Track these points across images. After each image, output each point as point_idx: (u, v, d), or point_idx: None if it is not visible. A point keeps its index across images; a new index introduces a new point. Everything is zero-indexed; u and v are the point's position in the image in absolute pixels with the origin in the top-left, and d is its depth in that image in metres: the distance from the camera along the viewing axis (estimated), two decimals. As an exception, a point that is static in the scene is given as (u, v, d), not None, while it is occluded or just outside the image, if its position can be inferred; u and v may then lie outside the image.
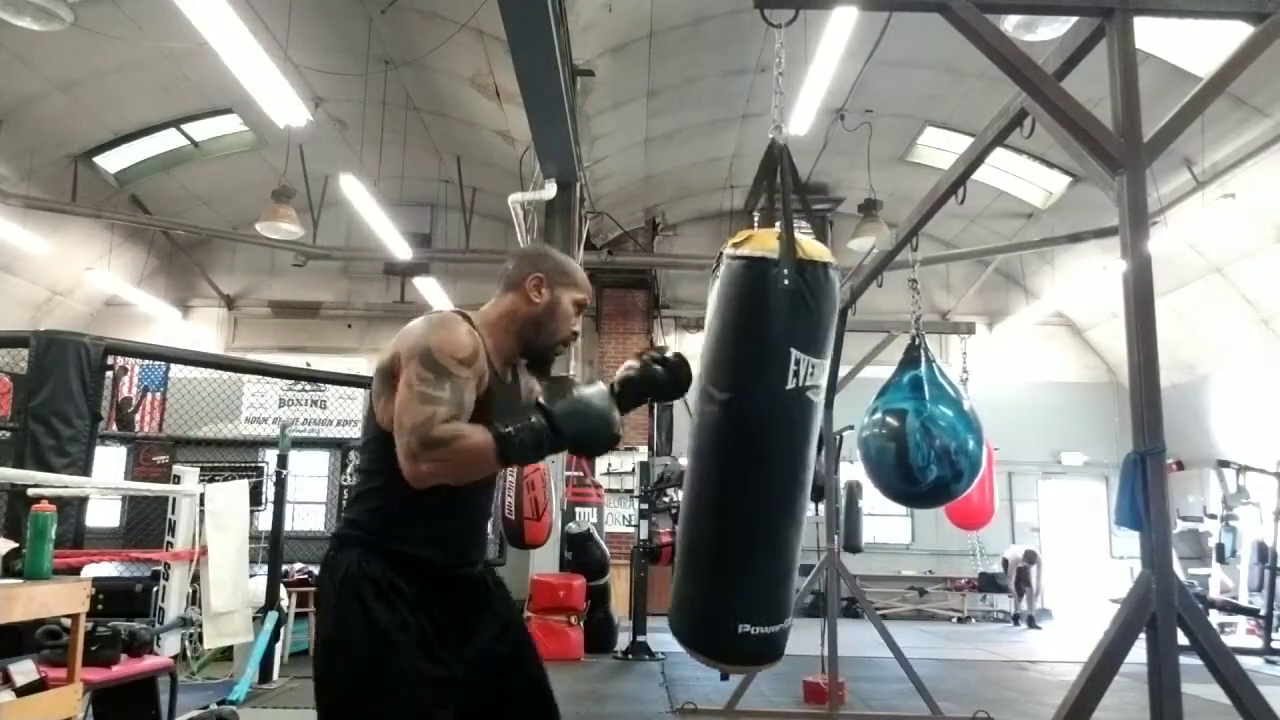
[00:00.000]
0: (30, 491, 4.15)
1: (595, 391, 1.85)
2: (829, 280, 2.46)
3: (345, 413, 13.11)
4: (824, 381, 2.48)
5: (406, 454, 1.73)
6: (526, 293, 2.02)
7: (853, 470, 8.23)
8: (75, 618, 3.15)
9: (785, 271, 2.40)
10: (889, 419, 4.94)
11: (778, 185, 2.81)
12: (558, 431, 1.77)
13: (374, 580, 1.82)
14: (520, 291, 2.02)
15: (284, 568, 6.69)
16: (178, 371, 11.96)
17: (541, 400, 1.81)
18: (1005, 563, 12.40)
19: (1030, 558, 12.16)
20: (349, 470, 11.62)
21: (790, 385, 2.38)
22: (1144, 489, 2.39)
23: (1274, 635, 9.29)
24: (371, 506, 1.91)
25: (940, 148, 11.21)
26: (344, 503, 11.63)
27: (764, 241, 2.50)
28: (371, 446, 1.92)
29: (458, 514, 1.95)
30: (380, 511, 1.89)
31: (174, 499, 5.67)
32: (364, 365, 13.48)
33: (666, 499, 8.91)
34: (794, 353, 2.38)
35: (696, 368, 2.19)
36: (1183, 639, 2.31)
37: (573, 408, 1.80)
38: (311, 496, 12.11)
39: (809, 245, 2.49)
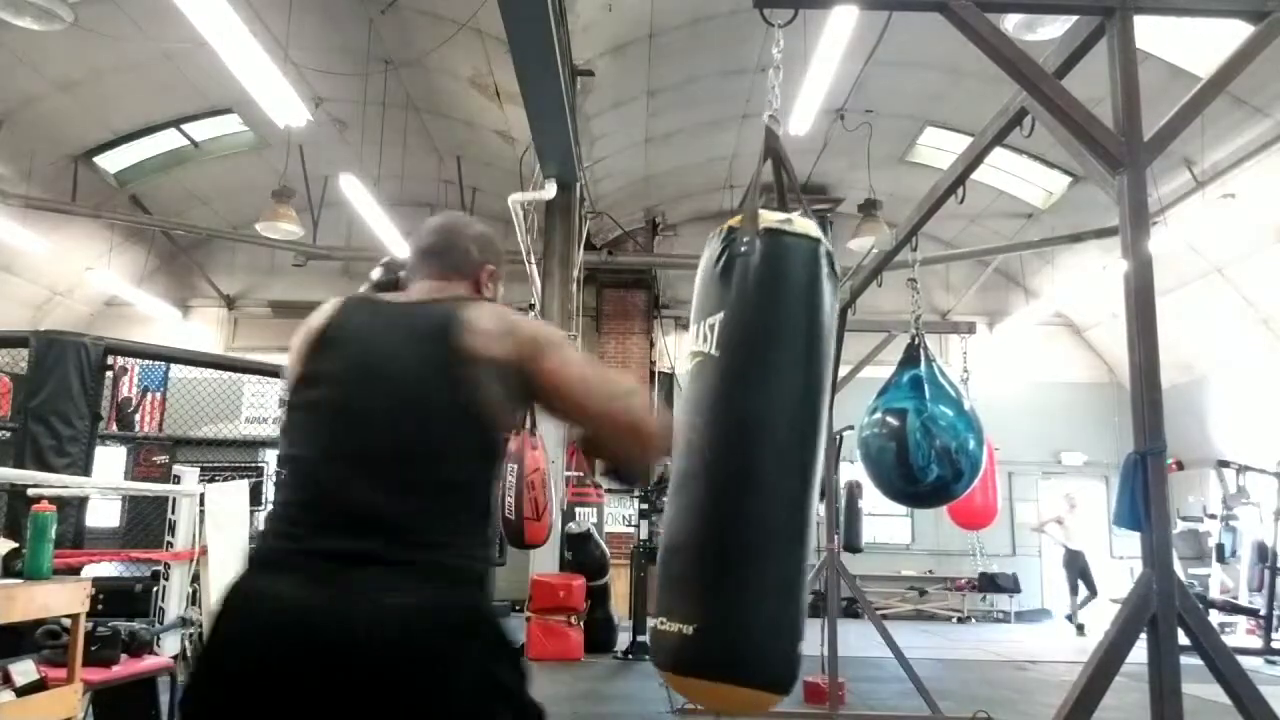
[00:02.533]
0: (30, 491, 4.15)
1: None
2: (711, 250, 2.51)
3: (345, 413, 13.10)
4: (701, 346, 2.43)
5: (648, 441, 1.64)
6: (481, 286, 1.80)
7: (853, 470, 8.23)
8: (75, 618, 3.15)
9: (741, 240, 2.49)
10: (889, 419, 4.94)
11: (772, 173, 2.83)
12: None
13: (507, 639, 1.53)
14: (473, 282, 1.79)
15: (284, 568, 6.67)
16: (178, 371, 11.94)
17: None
18: (1070, 555, 11.71)
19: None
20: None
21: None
22: (1144, 489, 2.39)
23: (1274, 635, 9.29)
24: (472, 529, 1.53)
25: (940, 148, 11.21)
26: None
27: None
28: (466, 450, 1.53)
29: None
30: (475, 535, 1.54)
31: (174, 499, 5.67)
32: (364, 365, 13.49)
33: (666, 499, 8.90)
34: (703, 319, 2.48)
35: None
36: (1183, 639, 2.31)
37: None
38: (311, 496, 12.10)
39: (757, 215, 2.52)
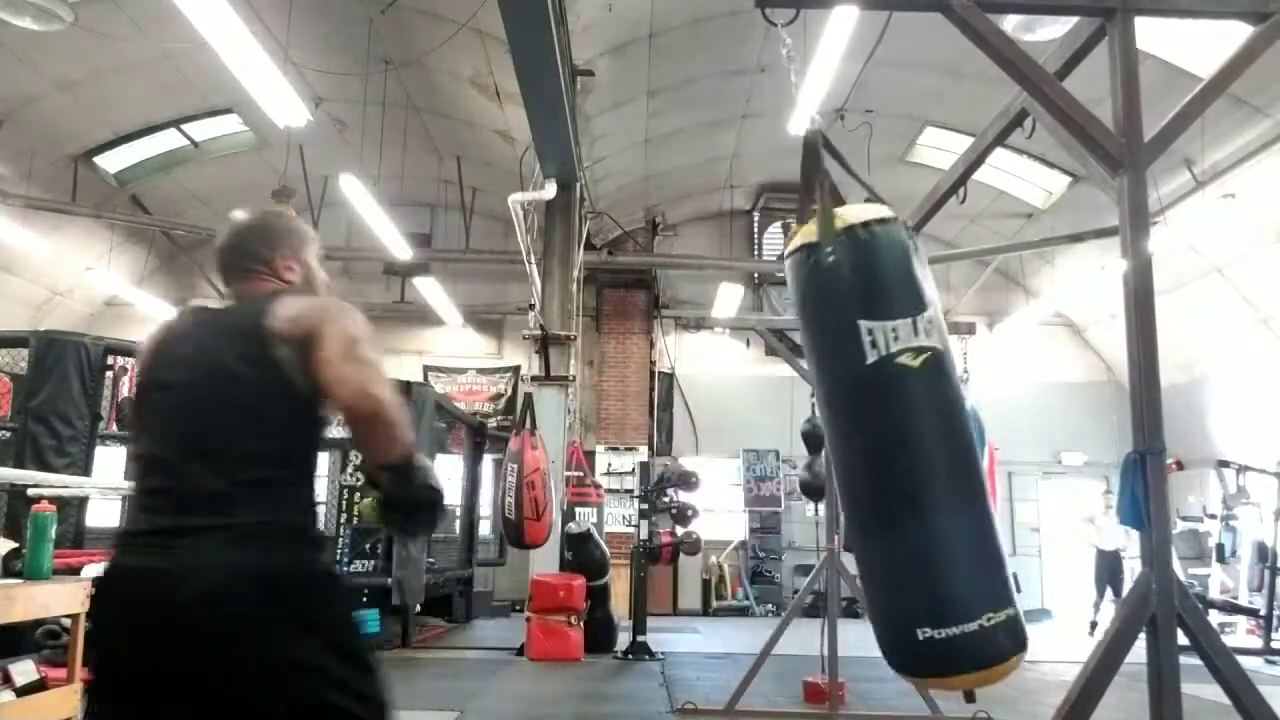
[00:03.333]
0: (30, 491, 4.16)
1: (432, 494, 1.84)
2: (877, 237, 2.33)
3: (345, 413, 13.10)
4: (927, 340, 2.26)
5: (394, 430, 1.69)
6: (280, 274, 1.93)
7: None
8: (75, 618, 3.15)
9: (827, 250, 2.33)
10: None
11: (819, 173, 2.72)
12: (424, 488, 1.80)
13: (338, 583, 1.83)
14: (274, 274, 1.92)
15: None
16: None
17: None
18: (1101, 555, 11.24)
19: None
20: (348, 471, 11.62)
21: (871, 359, 2.24)
22: (1144, 489, 2.39)
23: (1274, 635, 9.29)
24: (300, 494, 1.77)
25: (940, 148, 11.21)
26: (343, 503, 11.65)
27: (805, 230, 2.45)
28: (280, 420, 1.73)
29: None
30: (306, 499, 1.80)
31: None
32: (364, 365, 13.49)
33: (666, 499, 8.90)
34: (862, 325, 2.25)
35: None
36: (1183, 639, 2.31)
37: (420, 506, 1.82)
38: (311, 496, 12.11)
39: (850, 211, 2.40)
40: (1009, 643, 2.24)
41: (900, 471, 2.28)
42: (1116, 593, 11.00)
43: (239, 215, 2.05)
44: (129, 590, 1.65)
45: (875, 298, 2.28)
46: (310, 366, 1.70)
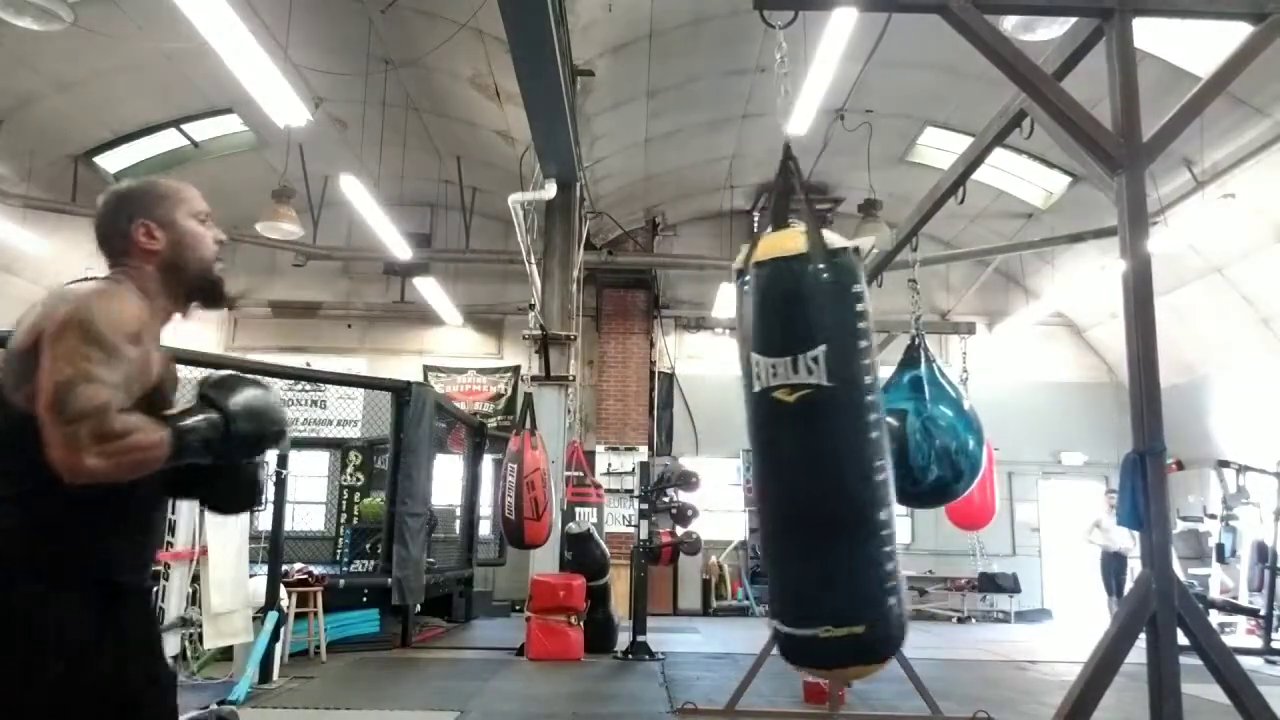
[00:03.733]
0: (30, 491, 4.15)
1: (264, 390, 1.66)
2: (789, 274, 2.40)
3: (345, 413, 13.12)
4: (807, 379, 2.32)
5: (69, 444, 1.38)
6: (141, 246, 1.74)
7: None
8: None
9: (746, 279, 2.45)
10: (889, 419, 4.93)
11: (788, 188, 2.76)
12: (230, 433, 1.55)
13: (52, 625, 1.45)
14: (134, 250, 1.75)
15: (284, 568, 6.70)
16: (178, 371, 11.95)
17: (210, 394, 1.57)
18: (1108, 556, 11.01)
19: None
20: (348, 471, 11.61)
21: (756, 388, 2.41)
22: (1144, 488, 2.40)
23: (1274, 635, 9.29)
24: (17, 521, 1.47)
25: (940, 148, 11.22)
26: (343, 503, 11.63)
27: (742, 254, 2.55)
28: (16, 440, 1.46)
29: (137, 517, 1.63)
30: (34, 524, 1.48)
31: (173, 499, 5.67)
32: (364, 365, 13.51)
33: (666, 499, 8.90)
34: (753, 357, 2.40)
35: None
36: (1183, 639, 2.31)
37: (249, 405, 1.59)
38: (311, 496, 12.14)
39: (777, 243, 2.46)
40: (846, 654, 2.46)
41: (773, 492, 2.52)
42: (1122, 593, 10.95)
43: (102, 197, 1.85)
44: None
45: (761, 333, 2.42)
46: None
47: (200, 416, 1.53)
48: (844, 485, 2.38)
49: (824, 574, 2.42)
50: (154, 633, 1.74)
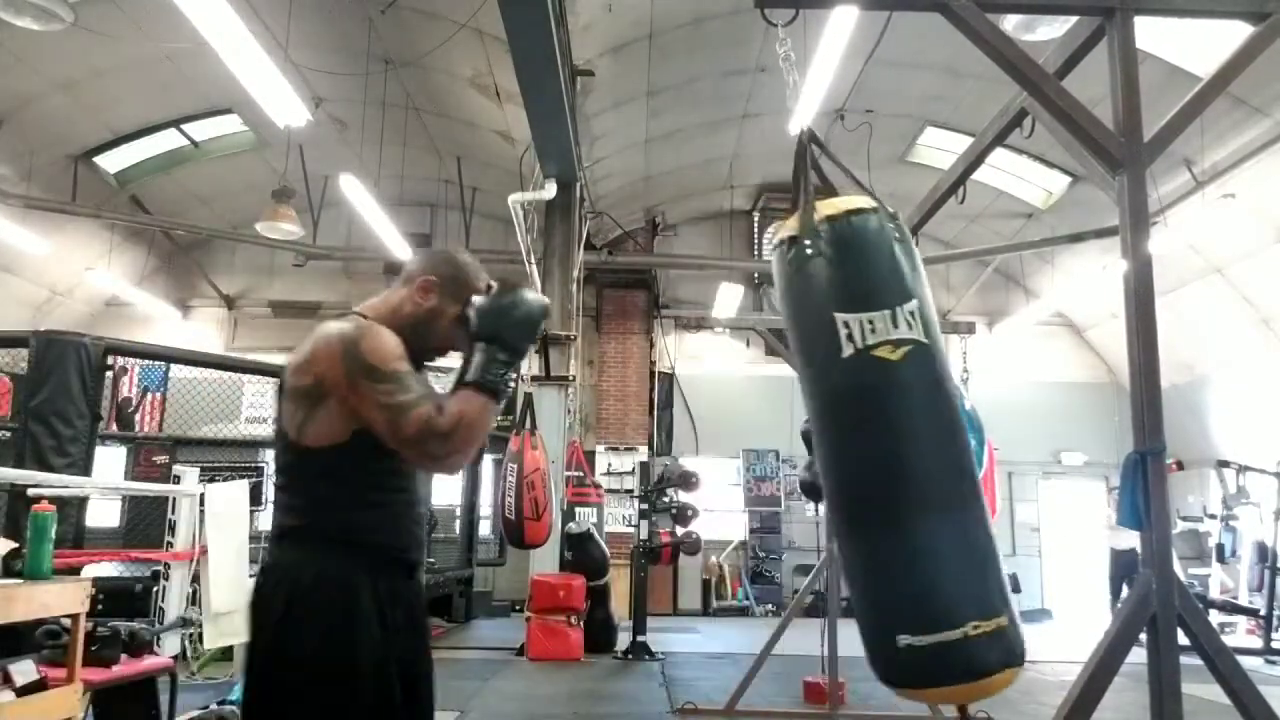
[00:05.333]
0: (30, 491, 4.15)
1: (511, 291, 1.84)
2: (854, 227, 2.26)
3: (345, 413, 13.10)
4: (909, 333, 2.17)
5: (430, 458, 1.72)
6: (414, 292, 1.94)
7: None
8: (75, 618, 3.15)
9: (807, 241, 2.27)
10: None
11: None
12: (495, 339, 1.76)
13: (335, 577, 1.74)
14: (410, 288, 1.95)
15: (284, 568, 6.68)
16: (178, 371, 11.94)
17: (475, 328, 1.80)
18: (1116, 554, 10.78)
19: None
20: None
21: (848, 352, 2.16)
22: (1144, 489, 2.39)
23: (1274, 635, 9.29)
24: (309, 549, 1.80)
25: (940, 148, 11.21)
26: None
27: (788, 224, 2.41)
28: (299, 467, 1.82)
29: (406, 509, 1.88)
30: (329, 509, 1.80)
31: (174, 499, 5.67)
32: (364, 365, 13.49)
33: (666, 499, 8.90)
34: (837, 318, 2.17)
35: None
36: (1183, 639, 2.31)
37: (502, 315, 1.79)
38: (311, 496, 12.11)
39: (839, 202, 2.34)
40: (996, 655, 2.13)
41: (880, 469, 2.19)
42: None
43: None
44: None
45: (850, 289, 2.21)
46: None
47: (481, 357, 1.75)
48: (963, 452, 2.19)
49: (956, 555, 2.15)
50: (421, 599, 1.97)
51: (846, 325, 2.16)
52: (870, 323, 2.15)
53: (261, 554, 6.40)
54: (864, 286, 2.21)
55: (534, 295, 1.83)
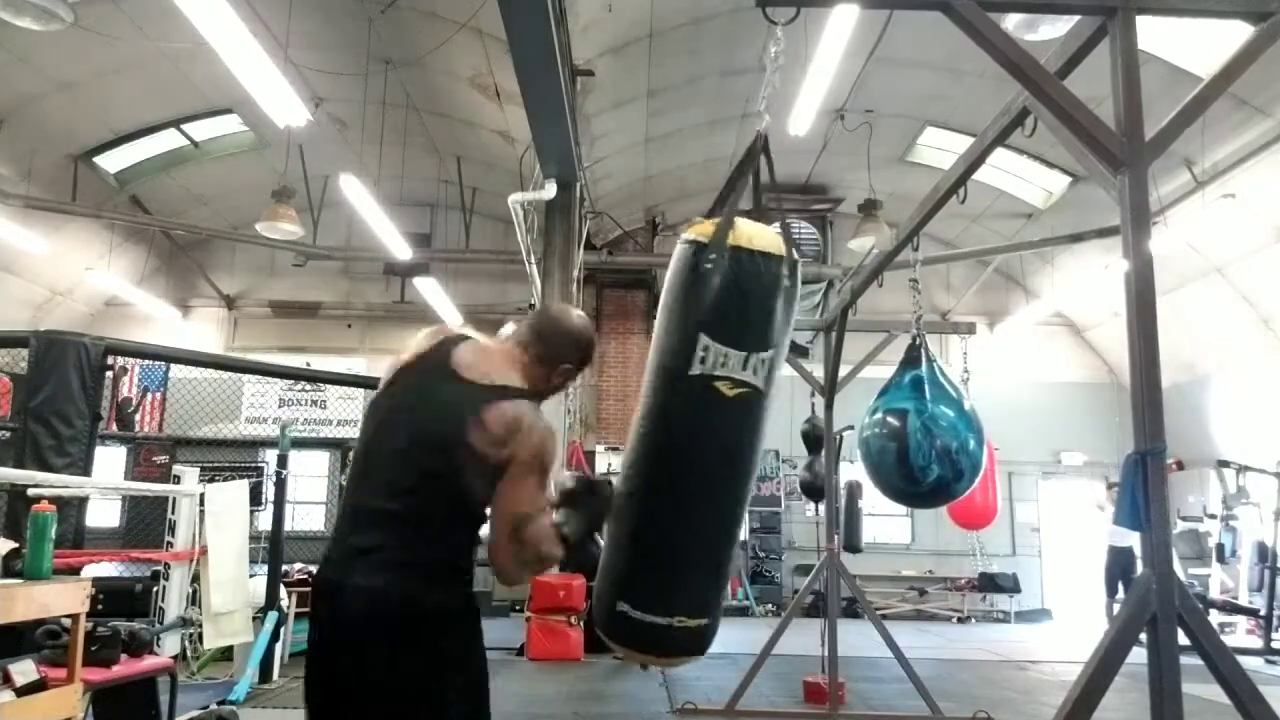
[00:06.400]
0: (30, 491, 4.15)
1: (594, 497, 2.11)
2: (768, 271, 2.37)
3: (345, 413, 13.11)
4: (751, 378, 2.34)
5: (516, 566, 1.93)
6: (551, 376, 2.15)
7: (853, 470, 8.22)
8: (75, 618, 3.15)
9: (711, 256, 2.35)
10: (890, 419, 4.94)
11: (762, 177, 2.76)
12: (589, 532, 2.07)
13: (478, 620, 2.00)
14: (547, 369, 2.14)
15: (284, 568, 6.70)
16: (178, 371, 11.96)
17: (578, 509, 2.06)
18: (1114, 552, 10.58)
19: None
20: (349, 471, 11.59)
21: (695, 371, 2.31)
22: (1144, 489, 2.39)
23: (1274, 635, 9.29)
24: (458, 553, 1.99)
25: (940, 148, 11.21)
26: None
27: (706, 228, 2.45)
28: (458, 511, 1.96)
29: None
30: (462, 559, 2.00)
31: (174, 499, 5.67)
32: (364, 365, 13.50)
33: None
34: (702, 338, 2.31)
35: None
36: (1183, 639, 2.31)
37: (600, 512, 2.12)
38: (311, 496, 12.12)
39: (756, 234, 2.42)
40: (688, 645, 2.42)
41: (666, 469, 2.39)
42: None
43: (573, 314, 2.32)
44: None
45: (722, 320, 2.33)
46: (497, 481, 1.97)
47: (583, 529, 2.04)
48: (735, 487, 2.46)
49: (697, 561, 2.45)
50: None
51: (705, 349, 2.31)
52: (725, 356, 2.31)
53: (262, 553, 6.41)
54: (735, 323, 2.34)
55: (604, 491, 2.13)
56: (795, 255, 2.44)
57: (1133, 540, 10.66)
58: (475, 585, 2.00)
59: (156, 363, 12.02)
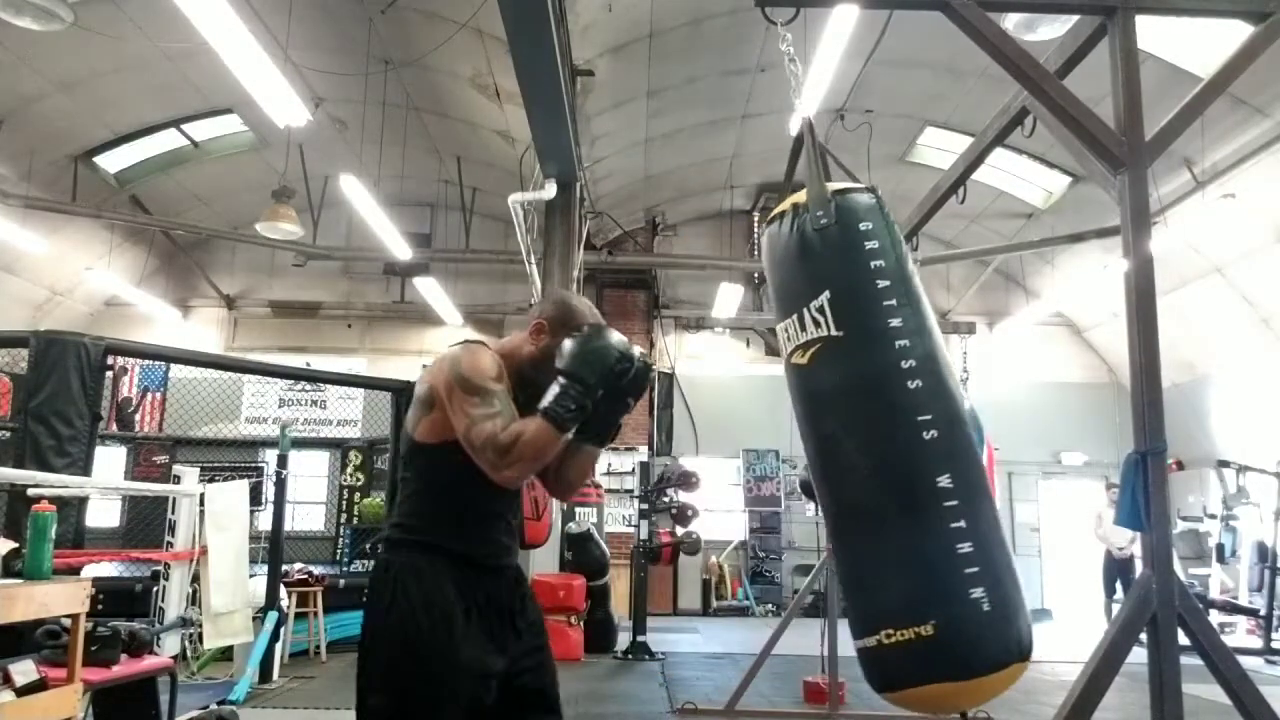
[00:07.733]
0: (30, 491, 4.15)
1: (591, 331, 1.99)
2: (765, 245, 2.35)
3: (345, 413, 13.11)
4: (813, 333, 2.16)
5: (490, 467, 1.89)
6: (529, 333, 2.15)
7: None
8: (75, 618, 3.14)
9: (819, 213, 2.35)
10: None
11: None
12: (575, 376, 1.89)
13: (422, 572, 1.97)
14: (527, 331, 2.17)
15: (284, 568, 6.70)
16: (178, 371, 11.96)
17: (558, 364, 1.95)
18: (1111, 556, 10.57)
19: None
20: (348, 471, 11.62)
21: (786, 364, 2.31)
22: (1145, 489, 2.39)
23: (1274, 635, 9.29)
24: (414, 509, 2.06)
25: (940, 148, 11.21)
26: (343, 503, 11.66)
27: (792, 197, 2.46)
28: (411, 459, 2.08)
29: (486, 517, 2.08)
30: (420, 514, 2.05)
31: (174, 499, 5.67)
32: (364, 365, 13.50)
33: (666, 499, 8.89)
34: (777, 330, 2.31)
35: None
36: (1183, 639, 2.31)
37: (574, 352, 1.92)
38: (311, 496, 12.13)
39: (792, 199, 2.39)
40: (915, 665, 1.99)
41: (821, 473, 2.24)
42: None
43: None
44: None
45: (778, 298, 2.30)
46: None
47: (556, 389, 1.89)
48: (887, 449, 2.09)
49: (877, 564, 2.07)
50: (510, 602, 2.09)
51: (779, 337, 2.29)
52: (785, 331, 2.26)
53: (262, 553, 6.41)
54: (778, 295, 2.29)
55: (616, 338, 1.96)
56: (825, 194, 2.38)
57: (1134, 550, 10.68)
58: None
59: (156, 363, 12.02)
